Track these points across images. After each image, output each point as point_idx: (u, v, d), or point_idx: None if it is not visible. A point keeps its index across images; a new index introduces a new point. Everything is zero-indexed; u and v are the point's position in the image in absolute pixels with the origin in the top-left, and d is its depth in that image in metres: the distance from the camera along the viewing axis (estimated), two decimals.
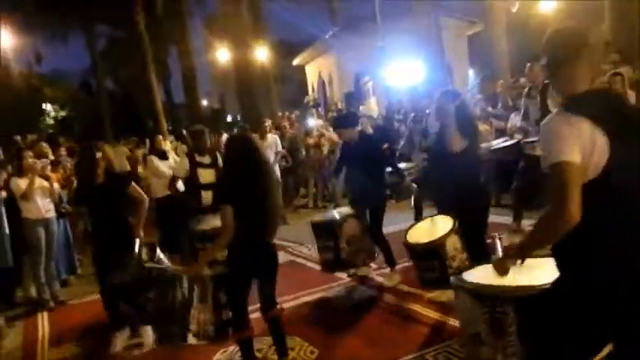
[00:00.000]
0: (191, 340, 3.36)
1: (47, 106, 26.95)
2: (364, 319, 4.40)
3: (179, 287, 3.29)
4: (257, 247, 3.30)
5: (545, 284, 2.19)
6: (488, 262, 3.90)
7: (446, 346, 3.63)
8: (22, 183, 5.67)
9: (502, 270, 2.20)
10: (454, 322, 3.97)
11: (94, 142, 4.82)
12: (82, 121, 27.00)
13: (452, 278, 2.79)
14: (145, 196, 4.54)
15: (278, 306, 3.51)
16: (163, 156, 7.45)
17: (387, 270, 5.20)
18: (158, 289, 3.41)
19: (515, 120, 6.29)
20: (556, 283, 1.99)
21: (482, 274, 2.64)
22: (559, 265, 1.96)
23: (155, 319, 3.43)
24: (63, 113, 28.04)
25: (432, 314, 4.23)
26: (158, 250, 3.88)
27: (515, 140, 5.59)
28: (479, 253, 3.98)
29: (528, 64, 5.69)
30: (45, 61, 25.41)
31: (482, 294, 2.48)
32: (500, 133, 7.24)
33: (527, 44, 13.10)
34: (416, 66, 12.25)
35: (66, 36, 24.79)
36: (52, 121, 27.23)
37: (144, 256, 3.86)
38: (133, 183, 4.52)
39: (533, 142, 5.33)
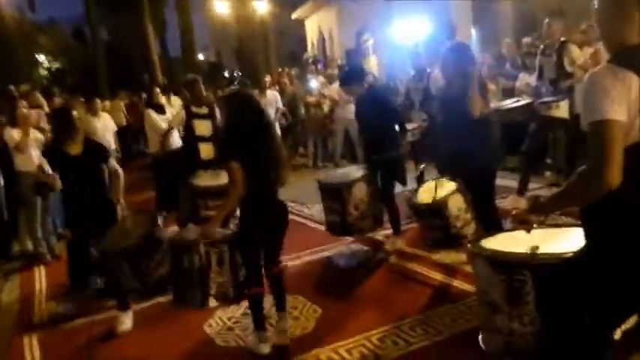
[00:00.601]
0: (212, 303, 3.35)
1: (41, 57, 26.34)
2: (368, 279, 4.36)
3: (195, 252, 3.24)
4: (267, 204, 3.28)
5: (567, 252, 2.11)
6: (499, 228, 3.87)
7: (451, 308, 3.59)
8: (15, 134, 5.50)
9: (524, 223, 2.10)
10: (459, 285, 3.95)
11: (79, 99, 4.67)
12: (76, 73, 26.48)
13: (469, 245, 2.70)
14: (120, 170, 4.33)
15: (281, 263, 3.49)
16: (161, 110, 7.25)
17: (389, 230, 5.13)
18: (174, 255, 3.41)
19: (525, 79, 6.12)
20: (582, 251, 1.89)
21: (500, 242, 2.55)
22: (587, 231, 1.86)
23: (173, 284, 3.45)
24: (57, 64, 27.47)
25: (437, 276, 4.19)
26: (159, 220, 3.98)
27: (529, 100, 5.42)
28: (489, 218, 3.91)
29: (546, 20, 5.46)
30: (39, 8, 24.71)
31: (500, 261, 2.39)
32: (508, 93, 7.05)
33: (534, 4, 12.74)
34: (420, 23, 11.90)
35: None
36: (45, 72, 26.68)
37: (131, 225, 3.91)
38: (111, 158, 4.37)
39: (548, 102, 5.18)
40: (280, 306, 3.47)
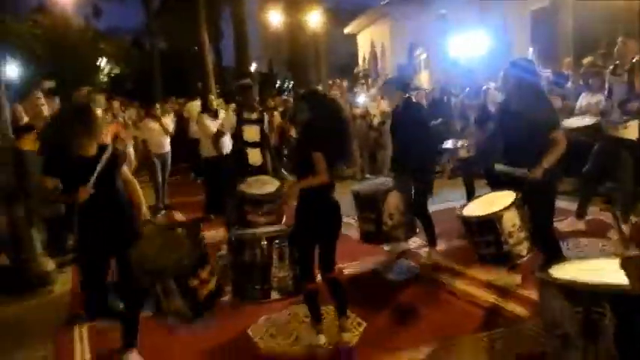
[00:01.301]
0: (274, 295, 3.57)
1: (102, 63, 27.48)
2: (416, 295, 4.26)
3: (258, 246, 3.41)
4: (328, 201, 3.42)
5: None
6: (556, 250, 3.70)
7: (504, 333, 3.44)
8: None
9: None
10: (512, 309, 3.78)
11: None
12: (134, 79, 27.45)
13: (537, 272, 2.55)
14: (131, 177, 3.69)
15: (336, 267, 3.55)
16: (215, 116, 7.40)
17: (438, 247, 5.01)
18: (236, 250, 3.57)
19: (587, 99, 5.87)
20: None
21: (572, 270, 2.41)
22: None
23: (235, 278, 3.58)
24: (116, 70, 28.55)
25: (489, 297, 4.03)
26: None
27: (595, 120, 5.19)
28: (547, 238, 3.75)
29: (620, 39, 5.23)
30: (102, 17, 25.86)
31: (576, 292, 2.24)
32: (567, 112, 6.79)
33: (594, 23, 12.31)
34: (478, 39, 11.70)
35: None
36: (105, 78, 27.79)
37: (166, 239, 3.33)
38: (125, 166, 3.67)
39: (616, 122, 4.96)
40: (342, 310, 3.48)
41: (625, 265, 1.98)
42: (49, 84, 10.59)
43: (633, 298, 1.98)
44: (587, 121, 5.29)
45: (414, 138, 4.72)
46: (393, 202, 4.64)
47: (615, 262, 2.16)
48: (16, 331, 4.18)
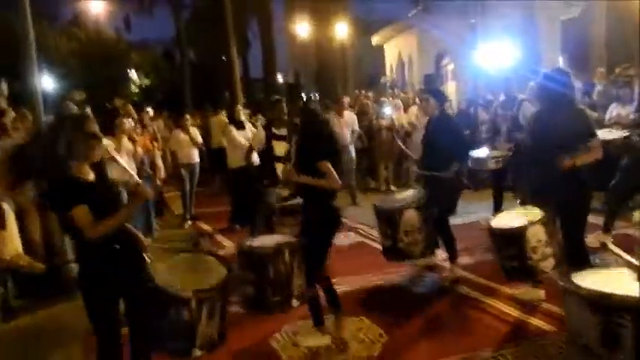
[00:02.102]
0: (295, 304, 3.72)
1: (133, 75, 28.14)
2: (438, 308, 4.25)
3: (281, 260, 3.58)
4: (336, 212, 3.72)
5: None
6: (585, 261, 3.65)
7: (527, 347, 3.40)
8: (109, 143, 5.86)
9: None
10: (536, 323, 3.74)
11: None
12: (164, 90, 28.02)
13: (561, 281, 2.54)
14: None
15: None
16: (241, 126, 7.50)
17: (463, 261, 4.98)
18: (259, 265, 3.66)
19: (617, 110, 5.78)
20: None
21: (596, 279, 2.40)
22: None
23: (258, 292, 3.65)
24: (147, 82, 29.19)
25: (513, 312, 3.99)
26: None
27: (625, 133, 5.09)
28: (577, 253, 3.70)
29: None
30: (133, 29, 26.56)
31: (598, 301, 2.24)
32: (598, 124, 6.68)
33: (627, 33, 12.07)
34: (507, 49, 11.55)
35: (152, 4, 25.68)
36: (136, 90, 28.45)
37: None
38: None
39: None
40: (336, 308, 3.76)
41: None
42: (79, 95, 10.90)
43: None
44: (616, 133, 5.20)
45: (441, 153, 4.69)
46: (409, 218, 4.61)
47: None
48: (50, 334, 4.32)
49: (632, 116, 5.29)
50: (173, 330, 2.74)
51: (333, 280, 4.72)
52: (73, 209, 2.55)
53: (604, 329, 2.17)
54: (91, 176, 2.73)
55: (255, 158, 6.77)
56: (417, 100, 8.80)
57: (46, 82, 15.93)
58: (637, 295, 2.08)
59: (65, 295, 5.09)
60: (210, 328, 2.93)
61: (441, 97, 5.01)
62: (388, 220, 4.72)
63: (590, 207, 3.93)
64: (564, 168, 3.61)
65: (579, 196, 3.74)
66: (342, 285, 4.80)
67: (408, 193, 5.16)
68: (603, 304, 2.21)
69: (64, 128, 2.69)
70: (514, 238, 3.71)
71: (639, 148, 5.01)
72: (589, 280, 2.46)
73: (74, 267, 5.32)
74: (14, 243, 4.65)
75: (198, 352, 2.89)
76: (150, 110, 9.67)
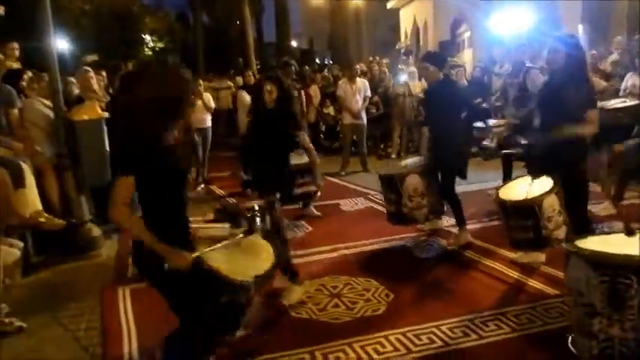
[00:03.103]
0: None
1: (147, 37, 28.02)
2: (443, 271, 4.34)
3: None
4: None
5: None
6: (589, 231, 3.70)
7: (528, 308, 3.50)
8: None
9: None
10: (536, 285, 3.84)
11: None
12: (178, 54, 27.94)
13: (565, 244, 2.61)
14: None
15: None
16: (252, 91, 7.52)
17: (470, 226, 5.05)
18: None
19: (632, 80, 5.71)
20: None
21: (597, 243, 2.49)
22: None
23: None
24: (160, 44, 29.09)
25: (514, 274, 4.09)
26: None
27: (637, 102, 5.05)
28: (581, 220, 3.75)
29: None
30: None
31: (603, 263, 2.30)
32: (613, 93, 6.61)
33: None
34: (523, 15, 11.32)
35: None
36: (150, 52, 28.37)
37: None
38: None
39: None
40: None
41: None
42: (91, 57, 10.91)
43: None
44: (629, 102, 5.16)
45: (445, 119, 4.68)
46: (412, 184, 4.73)
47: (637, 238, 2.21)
48: (68, 287, 4.50)
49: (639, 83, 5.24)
50: (227, 313, 2.64)
51: (345, 244, 4.88)
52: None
53: (610, 289, 2.24)
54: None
55: None
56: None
57: (60, 44, 15.96)
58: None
59: (82, 254, 5.29)
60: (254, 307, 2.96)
61: (440, 63, 4.95)
62: (391, 185, 4.84)
63: (586, 174, 3.96)
64: (561, 137, 3.63)
65: (581, 164, 3.76)
66: (353, 248, 4.92)
67: (414, 159, 5.24)
68: (609, 265, 2.27)
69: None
70: (530, 209, 3.70)
71: None
72: (591, 243, 2.53)
73: (91, 227, 5.51)
74: (34, 201, 4.80)
75: (242, 331, 2.99)
76: None
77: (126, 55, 19.09)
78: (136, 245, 2.46)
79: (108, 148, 5.55)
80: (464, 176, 5.08)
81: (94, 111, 5.52)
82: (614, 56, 8.27)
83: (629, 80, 6.00)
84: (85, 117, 5.41)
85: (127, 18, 23.54)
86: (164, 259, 2.35)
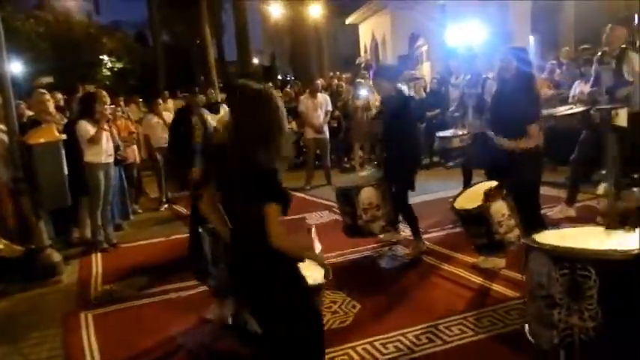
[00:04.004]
0: None
1: (104, 58, 27.59)
2: (408, 280, 4.40)
3: None
4: None
5: (635, 249, 2.11)
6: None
7: (490, 311, 3.59)
8: (90, 128, 5.83)
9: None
10: (498, 289, 3.94)
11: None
12: (138, 74, 27.57)
13: (524, 240, 2.73)
14: None
15: None
16: (214, 109, 7.47)
17: (433, 234, 5.16)
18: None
19: (580, 87, 5.98)
20: None
21: (554, 237, 2.60)
22: None
23: None
24: (119, 65, 28.68)
25: (476, 279, 4.19)
26: None
27: (585, 108, 5.29)
28: (533, 223, 3.89)
29: (609, 26, 5.29)
30: (104, 12, 25.99)
31: (563, 256, 2.41)
32: (562, 101, 6.90)
33: (596, 12, 12.33)
34: (477, 28, 11.74)
35: None
36: (108, 73, 27.93)
37: None
38: None
39: (606, 109, 5.04)
40: None
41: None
42: (46, 80, 10.69)
43: (616, 262, 2.18)
44: (577, 109, 5.40)
45: (397, 132, 4.75)
46: (367, 197, 4.83)
47: (588, 231, 2.32)
48: (28, 316, 4.38)
49: (587, 91, 5.49)
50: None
51: None
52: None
53: (570, 281, 2.34)
54: None
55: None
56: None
57: (14, 67, 15.60)
58: (598, 249, 2.29)
59: (42, 280, 5.14)
60: None
61: (392, 76, 5.04)
62: (346, 199, 4.92)
63: (540, 179, 4.13)
64: (505, 147, 3.79)
65: (530, 172, 3.92)
66: None
67: (370, 172, 5.33)
68: (568, 258, 2.38)
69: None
70: (479, 217, 3.87)
71: (595, 122, 5.20)
72: (548, 238, 2.65)
73: (51, 252, 5.37)
74: None
75: None
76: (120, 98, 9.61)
77: (83, 77, 18.75)
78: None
79: (66, 171, 5.44)
80: (413, 188, 5.08)
81: (51, 133, 5.41)
82: (564, 66, 8.63)
83: (577, 88, 6.27)
84: (42, 140, 5.29)
85: (83, 39, 23.15)
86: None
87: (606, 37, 5.31)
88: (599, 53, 5.49)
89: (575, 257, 2.37)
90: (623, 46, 5.15)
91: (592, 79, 5.47)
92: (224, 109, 7.70)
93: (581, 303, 2.33)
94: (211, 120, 7.16)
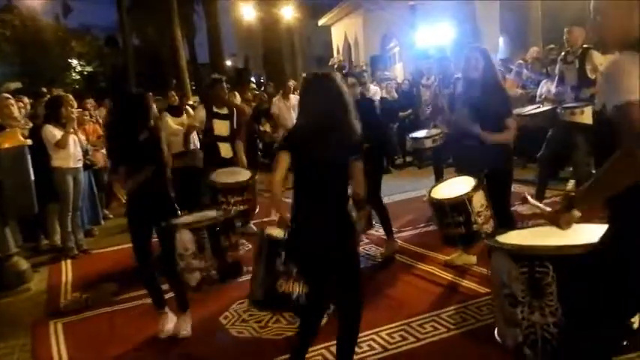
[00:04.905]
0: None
1: (74, 62, 27.10)
2: (379, 278, 4.43)
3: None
4: None
5: (591, 243, 2.14)
6: (512, 224, 3.92)
7: (461, 307, 3.64)
8: (57, 132, 5.71)
9: (563, 221, 2.02)
10: (469, 285, 4.00)
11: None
12: (108, 77, 27.15)
13: (486, 240, 2.76)
14: None
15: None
16: (176, 112, 7.37)
17: (406, 232, 5.20)
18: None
19: (546, 86, 6.11)
20: (607, 238, 1.90)
21: (516, 237, 2.64)
22: (613, 219, 1.88)
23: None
24: (89, 68, 28.20)
25: (447, 276, 4.25)
26: None
27: (552, 106, 5.41)
28: (504, 218, 3.96)
29: (567, 28, 5.46)
30: (72, 15, 25.51)
31: (521, 254, 2.44)
32: (530, 100, 7.04)
33: (563, 12, 12.63)
34: (446, 29, 11.92)
35: None
36: (77, 76, 27.43)
37: None
38: None
39: (572, 107, 5.17)
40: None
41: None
42: (14, 85, 10.43)
43: (573, 257, 2.21)
44: (544, 108, 5.52)
45: (367, 137, 4.79)
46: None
47: (551, 230, 2.36)
48: None
49: (553, 91, 5.62)
50: None
51: None
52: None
53: (529, 278, 2.38)
54: None
55: (196, 142, 6.77)
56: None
57: None
58: (556, 245, 2.31)
59: (9, 289, 5.01)
60: None
61: (359, 79, 5.09)
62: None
63: (513, 174, 4.21)
64: (484, 140, 3.88)
65: (503, 165, 3.99)
66: None
67: None
68: (527, 256, 2.42)
69: None
70: (463, 205, 3.89)
71: (565, 119, 5.33)
72: (511, 237, 2.69)
73: (18, 260, 5.23)
74: None
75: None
76: (91, 100, 9.43)
77: (52, 81, 18.37)
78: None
79: (32, 176, 5.31)
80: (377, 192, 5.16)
81: (16, 138, 5.28)
82: (530, 66, 8.79)
83: (544, 87, 6.41)
84: (7, 145, 5.15)
85: (52, 43, 22.69)
86: None
87: (566, 38, 5.45)
88: (563, 53, 5.63)
89: (532, 254, 2.40)
90: (585, 45, 5.28)
91: (556, 78, 5.60)
92: (189, 112, 7.53)
93: (542, 300, 2.36)
94: (172, 123, 7.06)
